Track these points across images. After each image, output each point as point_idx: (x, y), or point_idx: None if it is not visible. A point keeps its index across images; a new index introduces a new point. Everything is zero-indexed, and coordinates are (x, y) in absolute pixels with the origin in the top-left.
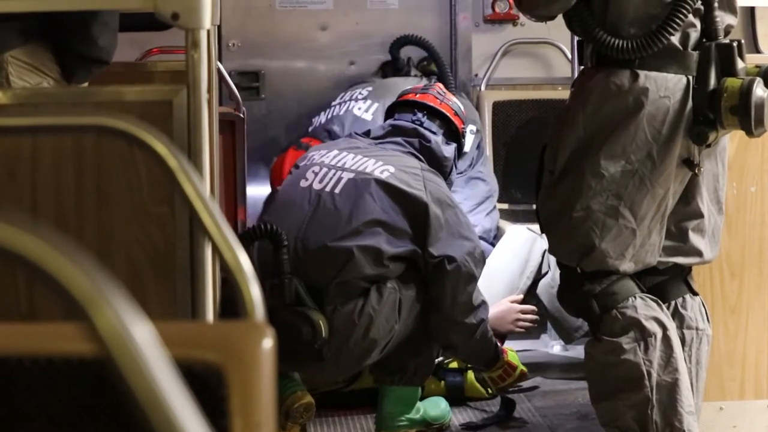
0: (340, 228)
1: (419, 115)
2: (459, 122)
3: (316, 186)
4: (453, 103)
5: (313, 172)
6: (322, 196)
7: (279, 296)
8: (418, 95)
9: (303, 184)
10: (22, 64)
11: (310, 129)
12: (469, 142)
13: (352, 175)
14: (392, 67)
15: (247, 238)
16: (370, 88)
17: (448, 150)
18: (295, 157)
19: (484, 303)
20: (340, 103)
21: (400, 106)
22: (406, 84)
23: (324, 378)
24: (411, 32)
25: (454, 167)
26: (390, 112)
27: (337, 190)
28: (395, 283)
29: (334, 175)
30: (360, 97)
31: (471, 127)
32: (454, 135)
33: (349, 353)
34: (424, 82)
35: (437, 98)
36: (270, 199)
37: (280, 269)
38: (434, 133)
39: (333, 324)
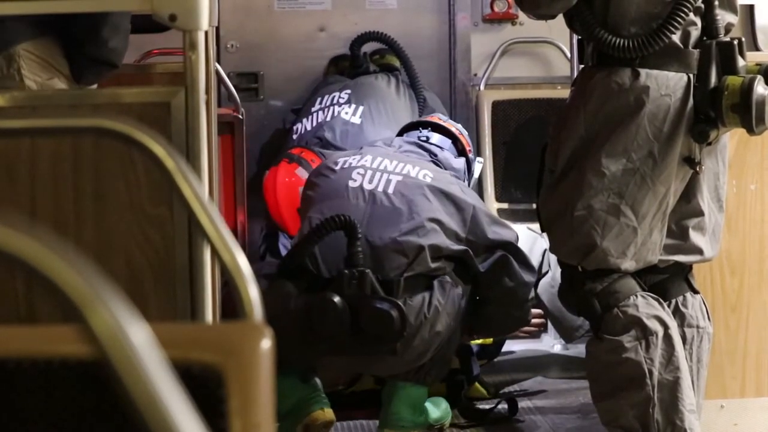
0: (404, 223)
1: (424, 131)
2: (465, 142)
3: (367, 186)
4: (457, 125)
5: (358, 173)
6: (377, 195)
7: (359, 287)
8: (423, 117)
9: (352, 184)
10: (34, 58)
11: (294, 137)
12: (477, 169)
13: (400, 178)
14: (351, 65)
15: (323, 229)
16: (348, 91)
17: (458, 162)
18: (288, 169)
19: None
20: (322, 109)
21: (407, 128)
22: (378, 83)
23: (383, 373)
24: (410, 33)
25: (466, 180)
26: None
27: (390, 190)
28: (450, 279)
29: (381, 177)
30: (342, 101)
31: (479, 158)
32: (461, 153)
33: (415, 348)
34: (393, 80)
35: (441, 119)
36: (309, 201)
37: (356, 261)
38: (441, 148)
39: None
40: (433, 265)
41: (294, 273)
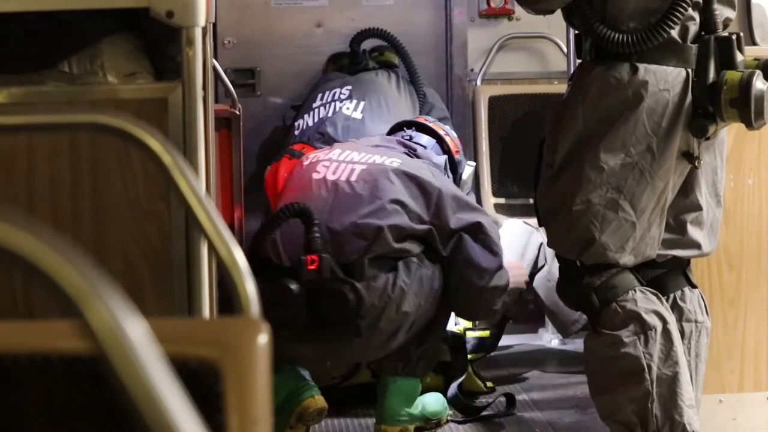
0: (365, 207)
1: (408, 131)
2: (452, 144)
3: (330, 177)
4: (446, 127)
5: (323, 166)
6: (339, 185)
7: (317, 272)
8: (408, 119)
9: (316, 176)
10: (117, 53)
11: (296, 133)
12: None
13: (365, 166)
14: (351, 62)
15: (278, 219)
16: (349, 87)
17: (439, 159)
18: (290, 165)
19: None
20: (323, 105)
21: (394, 128)
22: (379, 79)
23: (352, 359)
24: (406, 28)
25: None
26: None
27: (353, 178)
28: (417, 260)
29: (345, 167)
30: (343, 96)
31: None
32: (446, 153)
33: (383, 329)
34: (393, 76)
35: (428, 120)
36: (279, 197)
37: (314, 246)
38: (423, 147)
39: (368, 299)
40: (396, 246)
41: (257, 266)
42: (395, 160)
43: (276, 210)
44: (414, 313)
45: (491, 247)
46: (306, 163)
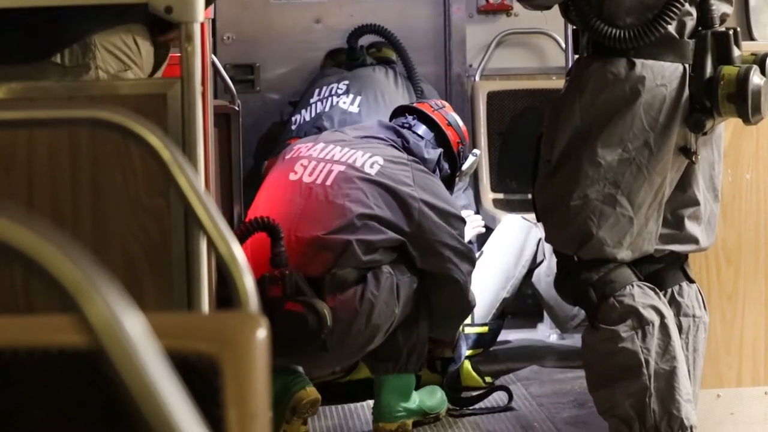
0: (335, 220)
1: (409, 118)
2: (453, 134)
3: (306, 179)
4: (450, 116)
5: (301, 165)
6: (314, 189)
7: (280, 288)
8: (415, 103)
9: (292, 177)
10: (109, 48)
11: (293, 128)
12: (468, 162)
13: (342, 168)
14: (349, 58)
15: (244, 233)
16: (346, 82)
17: (431, 153)
18: None
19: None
20: (320, 100)
21: (396, 111)
22: (376, 75)
23: (326, 367)
24: (405, 24)
25: (437, 170)
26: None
27: (328, 183)
28: (390, 268)
29: (323, 167)
30: (340, 91)
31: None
32: (445, 144)
33: (353, 341)
34: (390, 72)
35: (432, 107)
36: (258, 194)
37: (279, 262)
38: (420, 137)
39: (335, 313)
40: (365, 258)
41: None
42: (377, 161)
43: (243, 223)
44: (386, 322)
45: (469, 256)
46: (287, 156)
